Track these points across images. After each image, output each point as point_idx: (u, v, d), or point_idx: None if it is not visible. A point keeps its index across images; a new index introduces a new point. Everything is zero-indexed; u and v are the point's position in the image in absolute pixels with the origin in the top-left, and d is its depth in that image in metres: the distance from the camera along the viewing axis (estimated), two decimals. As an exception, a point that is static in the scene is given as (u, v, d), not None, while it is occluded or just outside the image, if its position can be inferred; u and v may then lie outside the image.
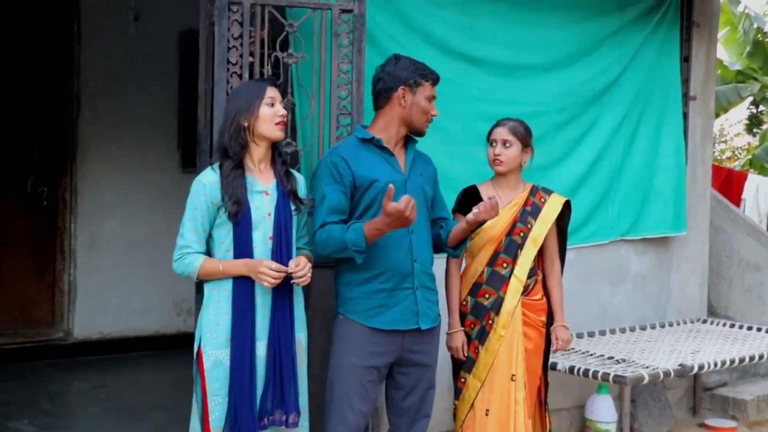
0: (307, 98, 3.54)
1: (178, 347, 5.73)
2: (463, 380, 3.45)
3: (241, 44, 3.32)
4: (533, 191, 3.57)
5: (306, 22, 3.48)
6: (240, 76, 3.31)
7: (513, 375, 3.41)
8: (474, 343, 3.43)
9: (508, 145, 3.47)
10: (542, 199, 3.57)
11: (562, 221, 3.64)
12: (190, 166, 4.85)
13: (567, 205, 3.64)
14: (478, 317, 3.44)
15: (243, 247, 2.85)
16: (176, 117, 6.46)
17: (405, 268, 3.05)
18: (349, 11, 3.50)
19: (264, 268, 2.79)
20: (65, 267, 6.15)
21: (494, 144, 3.50)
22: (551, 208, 3.56)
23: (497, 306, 3.42)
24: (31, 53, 5.99)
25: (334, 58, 3.50)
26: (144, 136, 6.29)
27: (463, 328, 3.45)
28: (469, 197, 3.49)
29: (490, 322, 3.42)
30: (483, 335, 3.42)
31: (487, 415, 3.40)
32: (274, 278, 2.79)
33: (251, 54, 3.36)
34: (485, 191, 3.51)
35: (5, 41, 5.88)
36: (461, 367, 3.47)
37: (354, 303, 3.05)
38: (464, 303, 3.47)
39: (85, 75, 6.12)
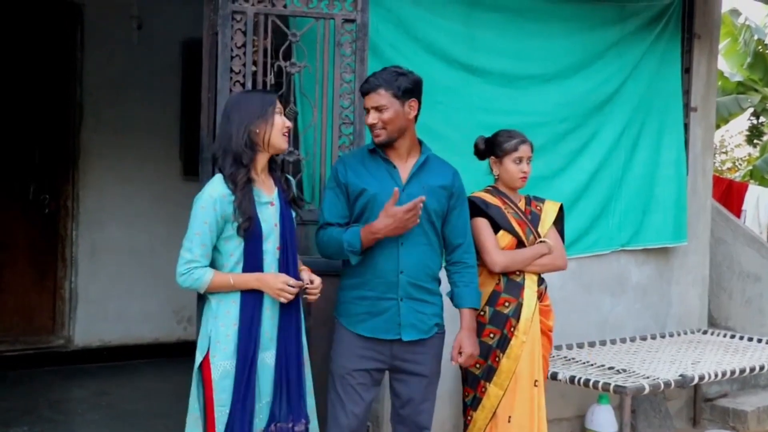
0: (309, 107, 3.56)
1: (179, 355, 5.74)
2: (483, 389, 3.43)
3: (244, 53, 3.33)
4: (528, 201, 3.62)
5: (309, 31, 3.49)
6: (243, 85, 3.32)
7: (536, 381, 3.46)
8: (495, 352, 3.42)
9: (529, 161, 3.53)
10: (538, 207, 3.61)
11: (559, 225, 3.67)
12: (192, 174, 4.86)
13: (561, 209, 3.68)
14: (498, 326, 3.43)
15: (253, 260, 2.83)
16: (178, 125, 6.47)
17: (389, 278, 3.04)
18: (352, 21, 3.51)
19: (283, 284, 2.80)
20: (66, 274, 6.15)
21: (521, 162, 3.51)
22: (548, 215, 3.60)
23: (517, 313, 3.43)
24: (35, 61, 6.00)
25: (337, 68, 3.51)
26: (146, 144, 6.30)
27: (481, 338, 3.41)
28: (484, 207, 3.49)
29: (512, 329, 3.43)
30: (504, 343, 3.42)
31: (509, 422, 3.41)
32: (292, 294, 2.82)
33: (254, 63, 3.38)
34: (491, 200, 3.51)
35: (8, 49, 5.90)
36: (480, 377, 3.44)
37: (344, 307, 3.11)
38: (482, 313, 3.44)
39: (88, 83, 6.14)
